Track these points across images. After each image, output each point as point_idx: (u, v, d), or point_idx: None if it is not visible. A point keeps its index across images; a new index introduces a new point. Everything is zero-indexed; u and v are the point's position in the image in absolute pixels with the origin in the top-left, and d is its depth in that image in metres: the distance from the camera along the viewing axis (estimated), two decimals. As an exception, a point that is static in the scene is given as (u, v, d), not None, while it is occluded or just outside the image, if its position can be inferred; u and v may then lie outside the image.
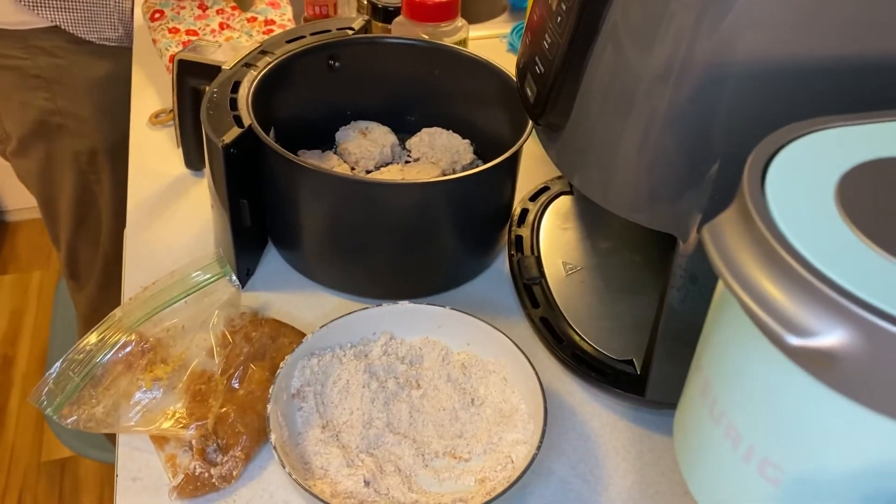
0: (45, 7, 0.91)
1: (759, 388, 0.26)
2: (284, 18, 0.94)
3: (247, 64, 0.67)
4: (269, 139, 0.59)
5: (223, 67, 0.66)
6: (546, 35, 0.49)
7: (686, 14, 0.42)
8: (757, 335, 0.24)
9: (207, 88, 0.63)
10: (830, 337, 0.22)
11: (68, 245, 1.13)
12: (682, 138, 0.45)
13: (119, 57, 0.99)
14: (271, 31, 0.92)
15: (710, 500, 0.30)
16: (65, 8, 0.92)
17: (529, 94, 0.52)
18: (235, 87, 0.64)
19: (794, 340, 0.22)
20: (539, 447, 0.49)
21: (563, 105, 0.49)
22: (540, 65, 0.50)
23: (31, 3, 0.90)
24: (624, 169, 0.48)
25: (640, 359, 0.57)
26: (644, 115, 0.45)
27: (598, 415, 0.57)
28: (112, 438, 1.40)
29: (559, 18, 0.47)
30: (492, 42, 1.01)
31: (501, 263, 0.69)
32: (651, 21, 0.43)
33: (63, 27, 0.94)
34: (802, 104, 0.43)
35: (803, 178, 0.27)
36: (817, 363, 0.23)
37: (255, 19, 0.94)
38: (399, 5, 0.81)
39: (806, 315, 0.22)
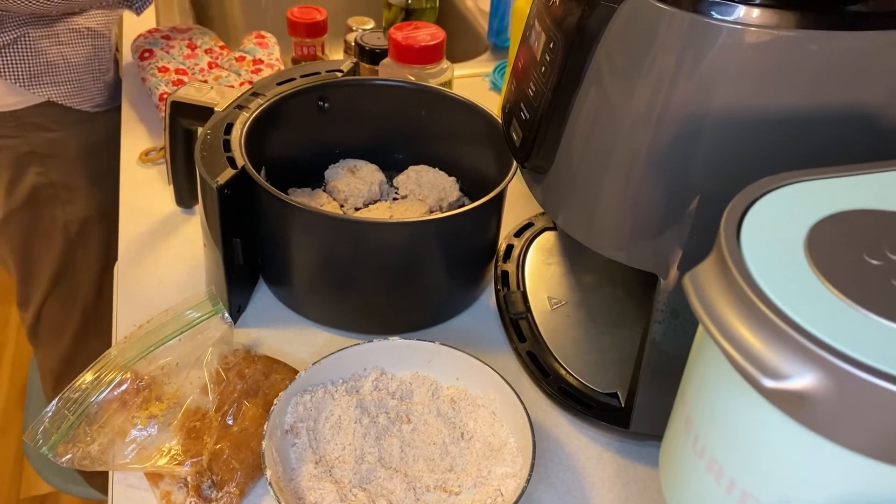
0: (39, 84, 0.92)
1: (738, 425, 0.28)
2: (272, 58, 0.97)
3: (239, 106, 0.68)
4: (262, 179, 0.61)
5: (216, 109, 0.68)
6: (531, 83, 0.52)
7: (666, 57, 0.44)
8: (735, 376, 0.26)
9: (201, 130, 0.65)
10: (802, 380, 0.24)
11: (38, 306, 1.11)
12: (662, 180, 0.47)
13: (107, 120, 0.99)
14: (259, 70, 0.94)
15: (696, 531, 0.32)
16: (57, 82, 0.93)
17: (515, 138, 0.54)
18: (228, 128, 0.65)
19: (769, 383, 0.24)
20: (528, 480, 0.50)
21: (549, 149, 0.51)
22: (525, 111, 0.53)
23: (25, 83, 0.91)
24: (606, 209, 0.50)
25: (625, 391, 0.58)
26: (626, 157, 0.48)
27: (584, 447, 0.59)
28: (88, 475, 1.38)
29: (543, 68, 0.50)
30: (474, 80, 1.04)
31: (488, 298, 0.71)
32: (633, 65, 0.46)
33: (57, 101, 0.94)
34: (775, 150, 0.45)
35: (776, 230, 0.29)
36: (790, 403, 0.25)
37: (243, 58, 0.96)
38: (386, 48, 0.83)
39: (779, 359, 0.24)
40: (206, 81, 0.92)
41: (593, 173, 0.50)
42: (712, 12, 0.43)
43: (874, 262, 0.26)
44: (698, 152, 0.46)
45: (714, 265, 0.27)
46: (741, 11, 0.42)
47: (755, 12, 0.41)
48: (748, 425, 0.28)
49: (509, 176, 0.64)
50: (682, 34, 0.44)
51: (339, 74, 0.74)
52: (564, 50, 0.47)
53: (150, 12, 1.14)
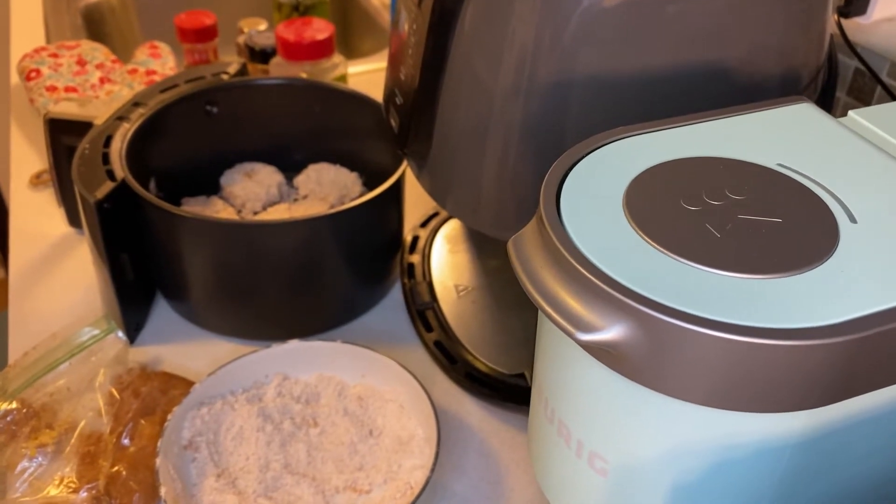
0: None
1: (575, 384, 0.28)
2: (166, 68, 0.94)
3: (120, 117, 0.66)
4: (144, 191, 0.58)
5: (95, 123, 0.65)
6: (402, 67, 0.51)
7: (526, 29, 0.44)
8: (565, 336, 0.25)
9: (79, 145, 0.62)
10: (613, 330, 0.23)
11: None
12: (538, 153, 0.47)
13: None
14: (153, 81, 0.91)
15: (559, 499, 0.31)
16: None
17: (393, 125, 0.53)
18: (108, 141, 0.63)
19: (583, 336, 0.23)
20: (433, 469, 0.49)
21: (424, 132, 0.50)
22: (399, 96, 0.52)
23: None
24: (488, 188, 0.49)
25: (531, 371, 0.58)
26: (500, 133, 0.47)
27: (496, 431, 0.58)
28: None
29: (410, 51, 0.49)
30: (378, 75, 1.03)
31: (398, 292, 0.70)
32: (495, 40, 0.45)
33: None
34: (643, 112, 0.45)
35: (596, 187, 0.28)
36: (609, 356, 0.24)
37: (136, 71, 0.93)
38: (275, 46, 0.82)
39: (591, 312, 0.23)
40: (97, 97, 0.89)
41: (471, 153, 0.49)
42: (567, -20, 0.43)
43: (691, 208, 0.26)
44: (569, 121, 0.46)
45: (534, 227, 0.26)
46: (589, -24, 0.41)
47: (604, -24, 0.41)
48: (582, 384, 0.27)
49: (403, 165, 0.63)
50: (538, 5, 0.43)
51: (226, 77, 0.72)
52: (426, 29, 0.47)
53: (38, 31, 1.10)
